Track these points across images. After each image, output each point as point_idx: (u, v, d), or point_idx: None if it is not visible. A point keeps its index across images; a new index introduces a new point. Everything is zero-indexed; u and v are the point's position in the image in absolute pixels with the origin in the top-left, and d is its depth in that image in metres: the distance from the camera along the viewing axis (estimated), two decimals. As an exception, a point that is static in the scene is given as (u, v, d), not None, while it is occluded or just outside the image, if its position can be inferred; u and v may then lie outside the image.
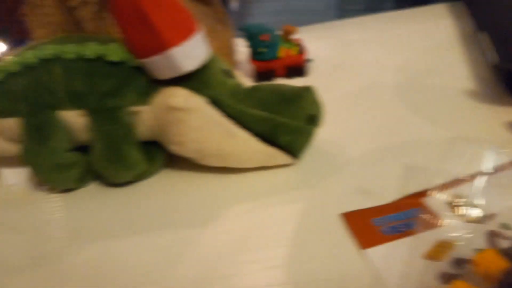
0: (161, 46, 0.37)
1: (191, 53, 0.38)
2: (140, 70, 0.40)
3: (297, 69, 0.61)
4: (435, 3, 0.81)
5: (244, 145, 0.41)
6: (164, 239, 0.38)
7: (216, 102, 0.40)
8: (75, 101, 0.41)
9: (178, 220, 0.40)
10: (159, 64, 0.38)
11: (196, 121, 0.40)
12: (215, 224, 0.39)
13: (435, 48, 0.66)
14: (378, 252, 0.33)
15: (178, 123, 0.40)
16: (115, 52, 0.40)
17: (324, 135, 0.46)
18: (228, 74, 0.43)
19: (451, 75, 0.57)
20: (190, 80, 0.40)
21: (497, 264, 0.29)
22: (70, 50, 0.40)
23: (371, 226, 0.36)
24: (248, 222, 0.39)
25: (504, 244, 0.32)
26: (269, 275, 0.33)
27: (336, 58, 0.66)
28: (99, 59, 0.40)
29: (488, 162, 0.39)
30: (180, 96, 0.39)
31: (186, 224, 0.39)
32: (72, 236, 0.40)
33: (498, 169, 0.38)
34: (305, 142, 0.43)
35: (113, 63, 0.40)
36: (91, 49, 0.40)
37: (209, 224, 0.39)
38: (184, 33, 0.38)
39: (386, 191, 0.39)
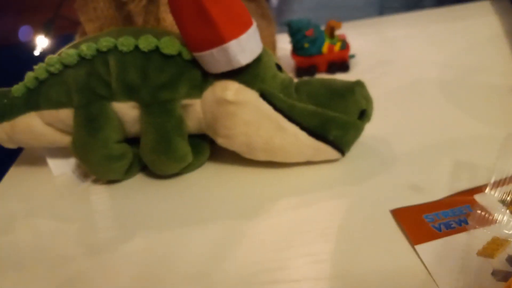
0: (218, 39, 0.37)
1: (246, 46, 0.39)
2: (194, 64, 0.41)
3: (340, 64, 0.61)
4: (477, 1, 0.80)
5: (293, 139, 0.41)
6: (210, 232, 0.39)
7: (268, 96, 0.41)
8: (128, 93, 0.42)
9: (223, 213, 0.40)
10: (215, 58, 0.39)
11: (247, 115, 0.40)
12: (262, 218, 0.39)
13: (481, 45, 0.65)
14: (429, 248, 0.33)
15: (229, 116, 0.40)
16: (169, 45, 0.41)
17: (371, 130, 0.46)
18: (280, 68, 0.43)
19: (499, 72, 0.56)
20: (242, 74, 0.40)
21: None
22: (126, 42, 0.41)
23: (422, 222, 0.35)
24: (295, 217, 0.39)
25: (562, 243, 0.32)
26: (317, 268, 0.34)
27: (379, 54, 0.66)
28: (154, 52, 0.41)
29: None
30: (232, 89, 0.40)
31: (231, 218, 0.40)
32: (120, 226, 0.41)
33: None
34: (355, 137, 0.43)
35: (167, 56, 0.41)
36: (146, 42, 0.41)
37: (256, 218, 0.39)
38: (241, 27, 0.38)
39: (436, 188, 0.39)
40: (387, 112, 0.51)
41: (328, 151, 0.42)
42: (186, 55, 0.41)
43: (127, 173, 0.46)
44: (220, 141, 0.43)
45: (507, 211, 0.35)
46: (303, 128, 0.41)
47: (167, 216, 0.41)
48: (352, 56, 0.63)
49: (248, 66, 0.40)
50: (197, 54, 0.40)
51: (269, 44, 0.64)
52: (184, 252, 0.37)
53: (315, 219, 0.38)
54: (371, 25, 0.76)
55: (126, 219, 0.42)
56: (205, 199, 0.43)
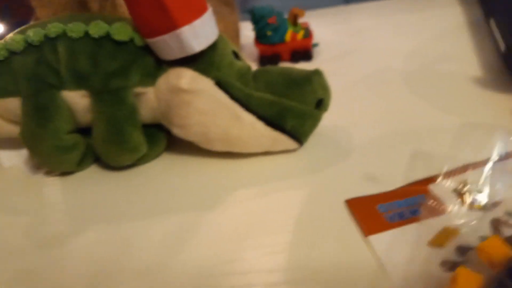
0: (171, 25, 0.36)
1: (200, 32, 0.38)
2: (147, 50, 0.40)
3: (303, 53, 0.61)
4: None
5: (250, 129, 0.40)
6: (166, 224, 0.38)
7: (224, 84, 0.40)
8: (78, 81, 0.40)
9: (180, 205, 0.40)
10: (168, 44, 0.37)
11: (202, 104, 0.39)
12: (218, 209, 0.39)
13: (445, 35, 0.65)
14: (382, 238, 0.33)
15: (184, 105, 0.39)
16: (121, 31, 0.39)
17: (330, 120, 0.46)
18: (237, 55, 0.42)
19: (460, 62, 0.57)
20: (197, 61, 0.39)
21: (501, 251, 0.29)
22: (75, 28, 0.40)
23: (375, 212, 0.35)
24: (252, 207, 0.38)
25: (509, 232, 0.32)
26: (271, 260, 0.33)
27: (344, 43, 0.65)
28: (105, 38, 0.40)
29: (496, 150, 0.39)
30: (187, 77, 0.39)
31: (188, 209, 0.39)
32: (73, 219, 0.40)
33: (505, 157, 0.38)
34: (312, 127, 0.42)
35: (119, 43, 0.39)
36: (97, 28, 0.39)
37: (212, 209, 0.39)
38: (194, 12, 0.37)
39: (392, 178, 0.39)
40: (349, 102, 0.51)
41: (285, 141, 0.42)
42: (139, 42, 0.39)
43: (80, 165, 0.45)
44: (176, 131, 0.42)
45: (459, 200, 0.35)
46: (260, 117, 0.40)
47: (121, 208, 0.40)
48: (316, 45, 0.62)
49: (203, 53, 0.39)
50: (149, 40, 0.39)
51: (232, 32, 0.63)
52: (138, 245, 0.36)
53: (272, 210, 0.38)
54: (337, 13, 0.75)
55: (80, 212, 0.40)
56: (160, 191, 0.41)
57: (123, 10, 0.51)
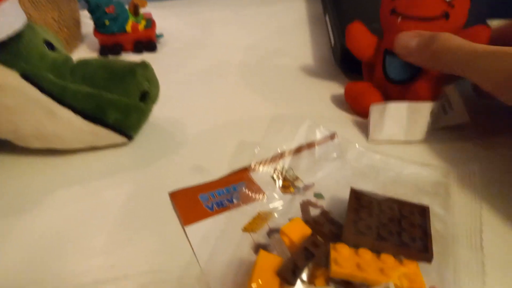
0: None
1: None
2: None
3: (147, 44, 0.59)
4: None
5: (67, 124, 0.38)
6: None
7: (34, 77, 0.37)
8: None
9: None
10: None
11: (8, 99, 0.36)
12: (34, 213, 0.36)
13: (287, 29, 0.68)
14: (198, 228, 0.33)
15: (-14, 101, 0.36)
16: None
17: (166, 113, 0.45)
18: (52, 46, 0.40)
19: (296, 55, 0.60)
20: (1, 52, 0.36)
21: (300, 232, 0.30)
22: None
23: (196, 202, 0.36)
24: (74, 209, 0.36)
25: (314, 212, 0.35)
26: (91, 262, 0.32)
27: (190, 35, 0.65)
28: None
29: (308, 137, 0.42)
30: (-14, 70, 0.35)
31: (1, 215, 0.35)
32: None
33: (316, 143, 0.41)
34: (139, 120, 0.41)
35: None
36: None
37: (27, 214, 0.35)
38: (-14, 0, 0.33)
39: (219, 168, 0.39)
40: (187, 94, 0.51)
41: (110, 136, 0.40)
42: None
43: None
44: (-18, 129, 0.38)
45: (275, 186, 0.37)
46: (77, 111, 0.38)
47: None
48: (160, 36, 0.61)
49: (5, 44, 0.35)
50: None
51: (71, 20, 0.59)
52: None
53: (95, 210, 0.36)
54: (184, 5, 0.75)
55: None
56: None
57: None
